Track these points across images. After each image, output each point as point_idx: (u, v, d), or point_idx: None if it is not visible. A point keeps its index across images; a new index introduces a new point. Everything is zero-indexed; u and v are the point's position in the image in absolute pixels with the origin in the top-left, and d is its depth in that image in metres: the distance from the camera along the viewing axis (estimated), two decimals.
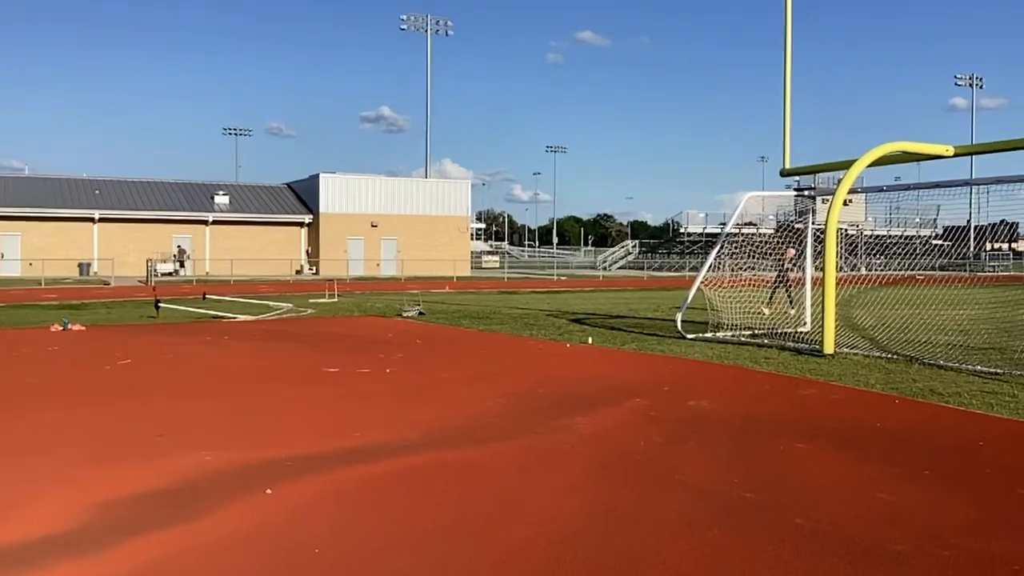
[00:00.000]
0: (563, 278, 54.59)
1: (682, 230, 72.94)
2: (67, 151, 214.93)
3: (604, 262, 78.45)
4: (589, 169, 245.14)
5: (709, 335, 15.51)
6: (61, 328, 17.21)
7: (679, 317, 16.22)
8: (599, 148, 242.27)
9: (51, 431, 7.79)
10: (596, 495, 5.78)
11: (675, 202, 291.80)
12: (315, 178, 58.10)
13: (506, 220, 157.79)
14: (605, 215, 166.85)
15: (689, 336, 15.40)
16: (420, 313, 21.45)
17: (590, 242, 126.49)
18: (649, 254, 79.48)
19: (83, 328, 17.51)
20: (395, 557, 4.61)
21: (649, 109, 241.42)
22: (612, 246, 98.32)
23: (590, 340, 15.37)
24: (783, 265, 18.49)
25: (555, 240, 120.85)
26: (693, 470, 6.41)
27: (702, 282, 16.53)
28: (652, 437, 7.50)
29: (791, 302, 17.82)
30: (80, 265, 50.39)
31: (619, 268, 74.98)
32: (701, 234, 69.11)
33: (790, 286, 18.31)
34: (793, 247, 18.06)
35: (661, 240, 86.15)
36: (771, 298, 18.31)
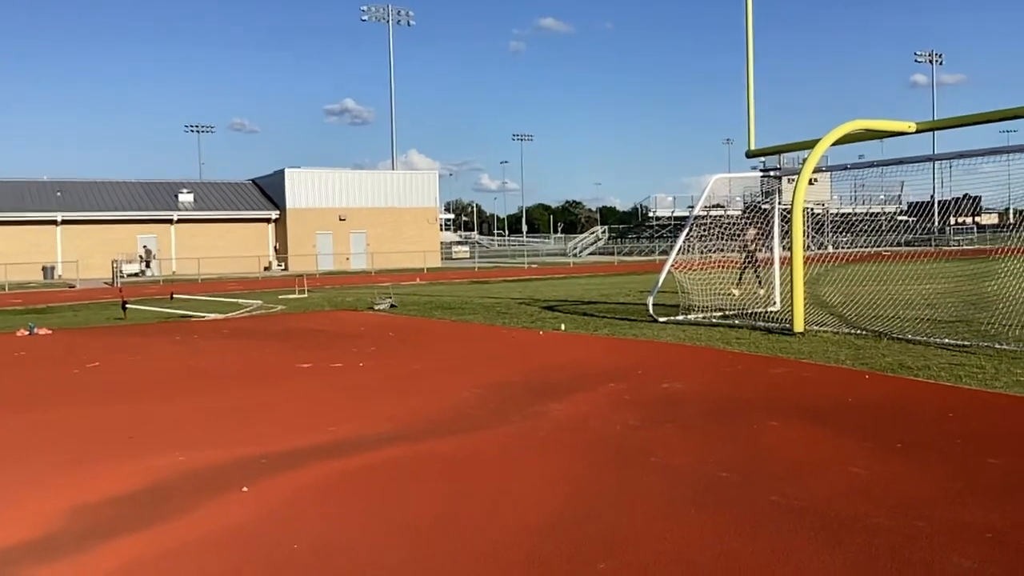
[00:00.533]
0: (534, 266, 54.65)
1: (651, 214, 73.37)
2: (27, 152, 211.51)
3: (574, 249, 78.64)
4: (556, 156, 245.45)
5: (680, 318, 15.59)
6: (27, 333, 16.95)
7: (650, 301, 16.28)
8: (565, 135, 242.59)
9: (21, 436, 7.67)
10: (574, 481, 5.79)
11: (643, 187, 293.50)
12: (280, 173, 57.65)
13: (475, 210, 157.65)
14: (574, 202, 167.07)
15: (661, 320, 15.47)
16: (392, 306, 21.36)
17: (560, 229, 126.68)
18: (619, 239, 79.79)
19: (50, 332, 17.26)
20: (375, 551, 4.59)
21: (614, 94, 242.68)
22: (582, 232, 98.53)
23: (563, 327, 15.39)
24: (747, 246, 18.60)
25: (524, 228, 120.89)
26: (669, 452, 6.44)
27: (672, 265, 16.60)
28: (628, 420, 7.53)
29: (759, 282, 17.95)
30: (44, 268, 49.67)
31: (589, 254, 75.19)
32: (670, 218, 69.51)
33: (758, 266, 18.42)
34: (754, 226, 18.18)
35: (630, 225, 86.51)
36: (740, 279, 18.43)
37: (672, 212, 70.50)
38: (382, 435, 7.28)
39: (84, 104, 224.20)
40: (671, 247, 17.61)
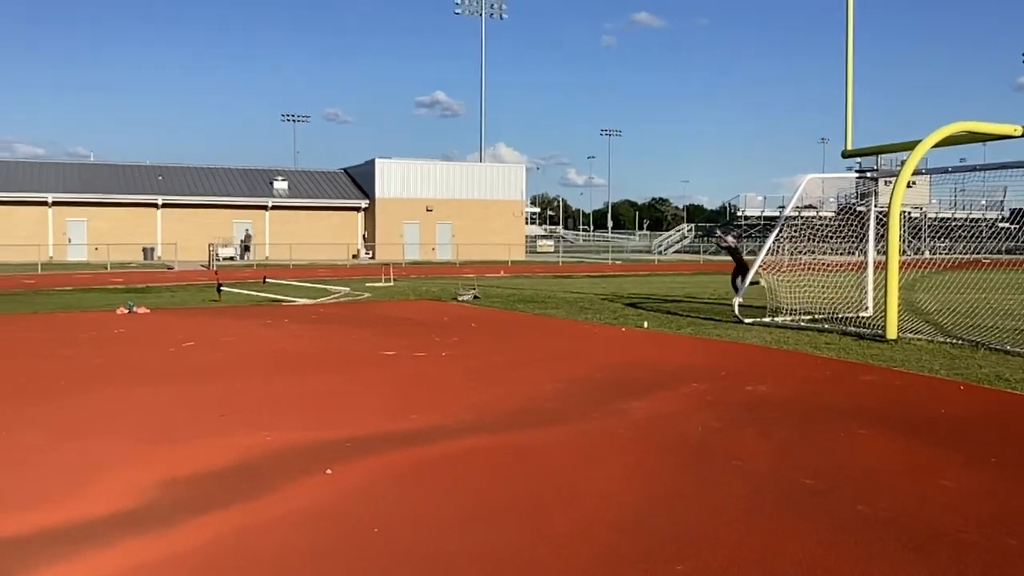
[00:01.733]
0: (618, 262, 54.32)
1: (739, 213, 72.01)
2: (131, 138, 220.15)
3: (659, 246, 77.85)
4: (644, 152, 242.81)
5: (767, 320, 15.30)
6: (127, 311, 17.67)
7: (736, 302, 16.02)
8: (654, 131, 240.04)
9: (116, 411, 8.00)
10: (652, 480, 5.75)
11: (732, 185, 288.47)
12: (371, 163, 58.59)
13: (560, 204, 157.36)
14: (660, 199, 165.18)
15: (747, 321, 15.21)
16: (475, 297, 21.53)
17: (645, 226, 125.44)
18: (705, 238, 78.58)
19: (148, 311, 17.94)
20: (452, 538, 4.65)
21: (706, 91, 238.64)
22: (667, 230, 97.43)
23: (645, 324, 15.27)
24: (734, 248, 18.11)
25: (610, 224, 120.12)
26: (751, 455, 6.34)
27: (760, 266, 16.29)
28: (709, 422, 7.43)
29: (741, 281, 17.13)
30: (144, 249, 51.59)
31: (674, 252, 74.36)
32: (759, 217, 68.12)
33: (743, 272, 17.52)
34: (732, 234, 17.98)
35: (718, 224, 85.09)
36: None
37: (761, 212, 69.12)
38: (463, 424, 7.36)
39: (186, 91, 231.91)
40: (760, 247, 17.27)
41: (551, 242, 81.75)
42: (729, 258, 18.71)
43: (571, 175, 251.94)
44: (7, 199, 50.49)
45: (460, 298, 21.50)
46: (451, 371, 10.37)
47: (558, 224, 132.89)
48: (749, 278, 16.42)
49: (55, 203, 51.61)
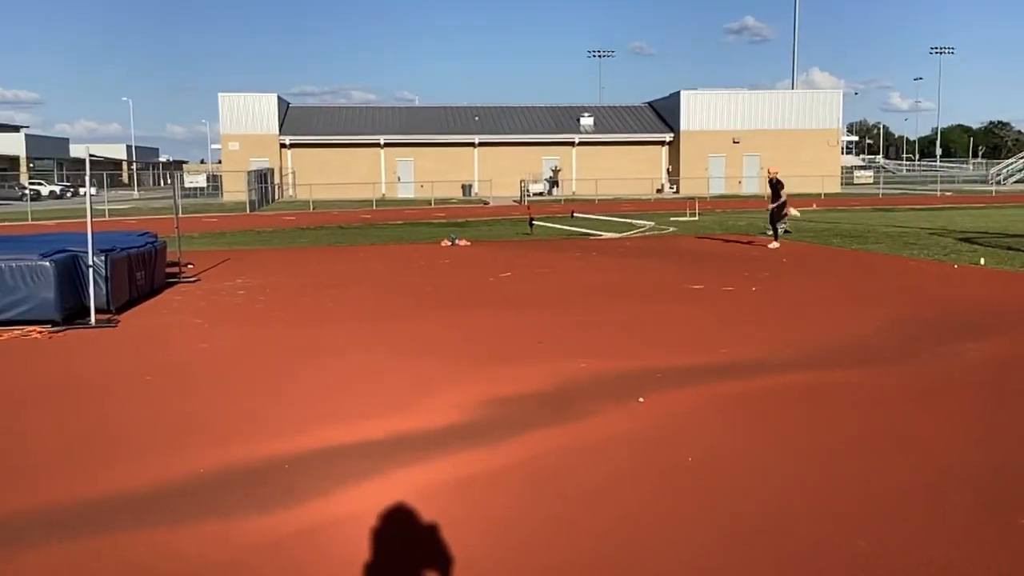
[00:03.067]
0: (948, 194, 49.49)
1: None
2: (451, 81, 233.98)
3: (997, 175, 69.77)
4: (981, 72, 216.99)
5: None
6: (449, 243, 19.03)
7: None
8: (993, 46, 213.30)
9: (446, 334, 8.68)
10: (992, 428, 5.26)
11: None
12: (676, 95, 57.68)
13: (881, 132, 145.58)
14: (999, 122, 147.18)
15: None
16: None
17: (980, 154, 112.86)
18: None
19: (468, 243, 19.19)
20: (772, 473, 4.58)
21: None
22: (1007, 157, 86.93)
23: (982, 261, 13.86)
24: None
25: (938, 152, 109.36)
26: None
27: None
28: None
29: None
30: (463, 186, 54.89)
31: (1015, 182, 66.33)
32: None
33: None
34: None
35: None
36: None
37: None
38: (778, 360, 7.17)
39: (499, 32, 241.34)
40: None
41: (870, 173, 76.06)
42: None
43: (894, 99, 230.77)
44: (347, 142, 55.83)
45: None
46: (761, 306, 10.10)
47: (877, 154, 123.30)
48: None
49: (386, 144, 56.28)
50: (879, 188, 56.25)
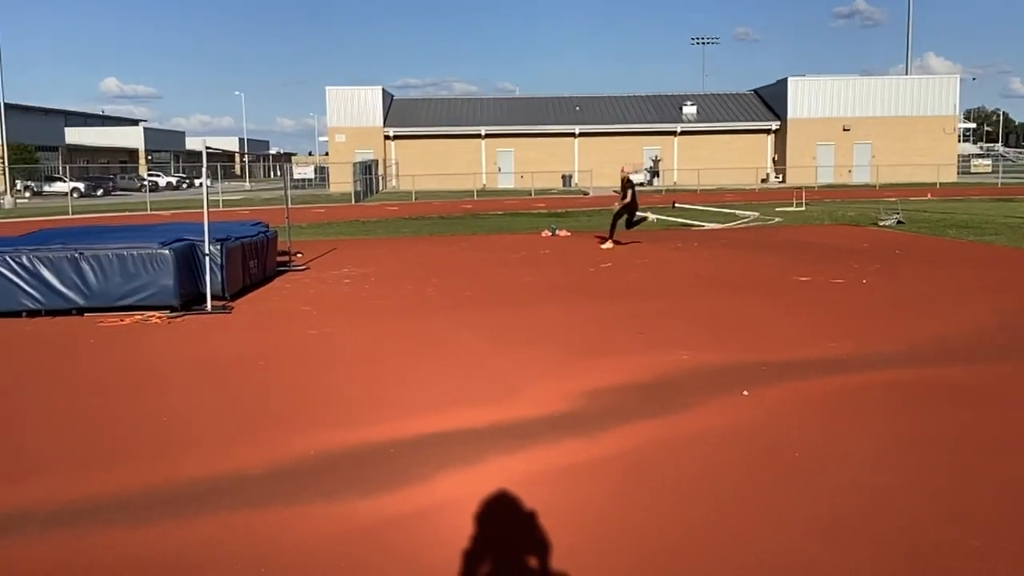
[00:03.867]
0: None
1: None
2: (552, 72, 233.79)
3: None
4: None
5: None
6: (550, 234, 19.07)
7: None
8: None
9: (547, 324, 8.72)
10: None
11: None
12: (783, 83, 56.22)
13: (1000, 119, 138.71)
14: None
15: None
16: (899, 222, 19.97)
17: None
18: None
19: (568, 234, 19.19)
20: (879, 471, 4.45)
21: None
22: None
23: None
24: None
25: None
26: None
27: None
28: None
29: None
30: (563, 177, 54.87)
31: None
32: None
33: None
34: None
35: None
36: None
37: None
38: (886, 355, 6.95)
39: (601, 21, 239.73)
40: None
41: (988, 161, 72.55)
42: None
43: (1014, 85, 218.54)
44: (448, 133, 56.49)
45: (882, 223, 20.07)
46: (872, 299, 9.79)
47: (996, 141, 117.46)
48: None
49: (487, 135, 56.67)
50: (998, 177, 53.66)
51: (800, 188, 33.42)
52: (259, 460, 4.78)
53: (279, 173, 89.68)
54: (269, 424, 5.47)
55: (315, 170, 65.33)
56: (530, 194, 43.46)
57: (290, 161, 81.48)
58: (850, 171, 54.10)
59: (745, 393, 5.92)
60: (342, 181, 45.45)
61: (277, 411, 5.76)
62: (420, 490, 4.31)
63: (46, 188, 52.91)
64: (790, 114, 55.11)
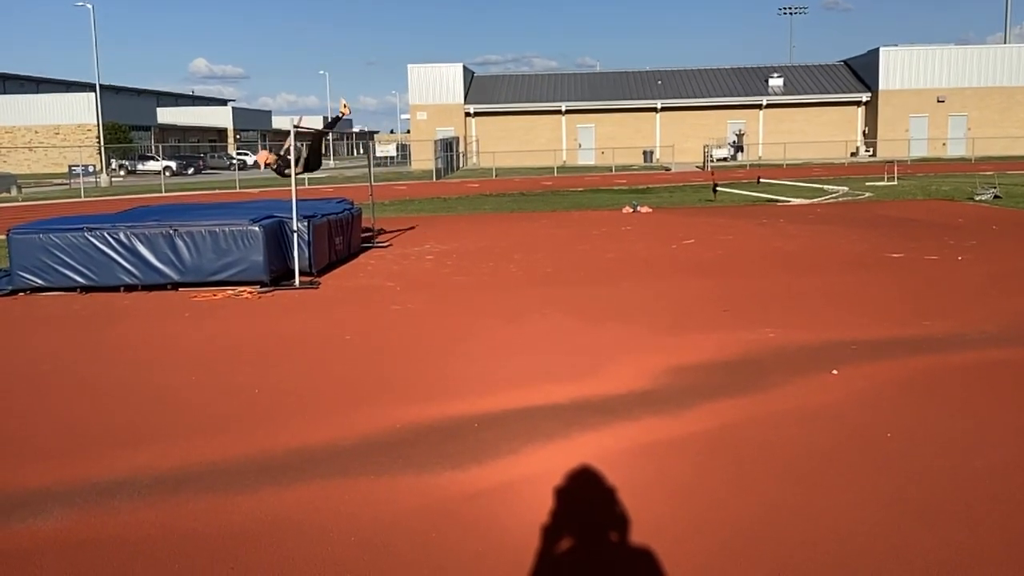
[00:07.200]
0: None
1: None
2: (634, 46, 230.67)
3: None
4: None
5: None
6: (631, 210, 18.91)
7: None
8: None
9: (631, 301, 8.68)
10: None
11: None
12: (874, 53, 54.35)
13: None
14: None
15: None
16: (996, 196, 19.20)
17: None
18: None
19: (650, 210, 18.99)
20: (975, 454, 4.33)
21: None
22: None
23: None
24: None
25: None
26: None
27: None
28: None
29: None
30: (644, 152, 54.25)
31: None
32: None
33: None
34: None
35: None
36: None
37: None
38: (984, 335, 6.72)
39: None
40: None
41: None
42: None
43: None
44: (529, 109, 56.36)
45: (978, 198, 19.32)
46: (969, 276, 9.46)
47: None
48: None
49: (568, 111, 56.34)
50: None
51: (892, 162, 32.33)
52: (351, 432, 4.90)
53: (362, 151, 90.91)
54: (358, 397, 5.60)
55: (397, 148, 66.05)
56: (611, 170, 43.13)
57: (372, 139, 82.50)
58: (944, 144, 52.14)
59: (835, 372, 5.80)
60: (423, 158, 45.85)
61: (365, 385, 5.89)
62: (506, 463, 4.36)
63: (140, 167, 54.72)
64: (882, 85, 53.31)
